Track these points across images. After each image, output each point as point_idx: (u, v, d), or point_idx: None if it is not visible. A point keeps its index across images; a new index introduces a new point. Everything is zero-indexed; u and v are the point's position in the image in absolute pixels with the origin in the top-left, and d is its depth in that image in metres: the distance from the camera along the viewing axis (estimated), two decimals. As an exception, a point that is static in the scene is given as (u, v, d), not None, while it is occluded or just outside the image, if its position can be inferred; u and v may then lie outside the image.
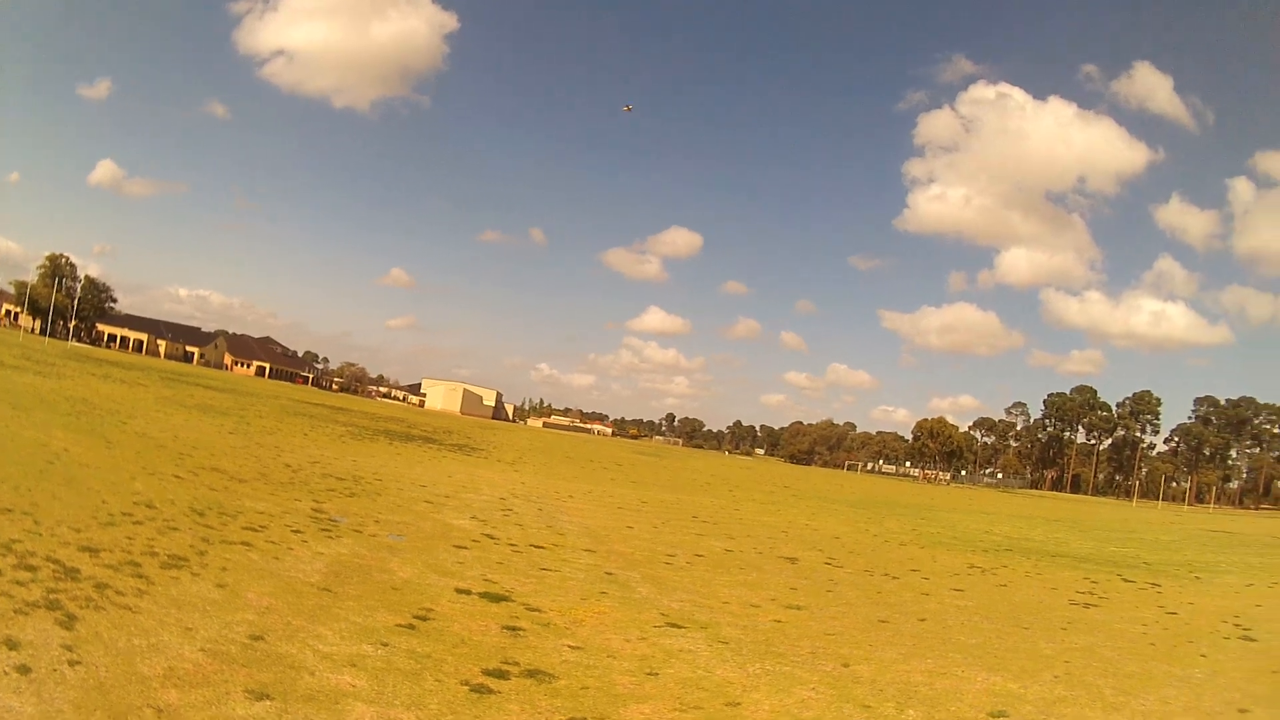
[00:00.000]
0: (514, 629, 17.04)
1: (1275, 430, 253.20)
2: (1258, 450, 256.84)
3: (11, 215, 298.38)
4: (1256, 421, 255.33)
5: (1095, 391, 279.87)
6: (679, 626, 19.29)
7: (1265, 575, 42.86)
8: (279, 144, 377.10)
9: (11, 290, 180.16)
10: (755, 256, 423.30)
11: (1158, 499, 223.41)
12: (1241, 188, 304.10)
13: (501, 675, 13.84)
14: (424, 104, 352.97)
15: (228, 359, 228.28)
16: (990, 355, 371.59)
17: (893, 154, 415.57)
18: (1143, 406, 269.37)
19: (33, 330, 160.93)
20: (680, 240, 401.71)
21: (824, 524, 52.67)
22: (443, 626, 16.40)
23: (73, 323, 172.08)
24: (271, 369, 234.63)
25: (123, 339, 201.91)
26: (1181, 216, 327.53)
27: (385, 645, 14.56)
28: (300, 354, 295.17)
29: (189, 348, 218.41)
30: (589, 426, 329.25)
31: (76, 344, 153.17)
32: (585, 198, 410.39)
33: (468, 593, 19.65)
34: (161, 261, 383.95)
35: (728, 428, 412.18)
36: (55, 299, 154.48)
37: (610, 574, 24.90)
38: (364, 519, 27.44)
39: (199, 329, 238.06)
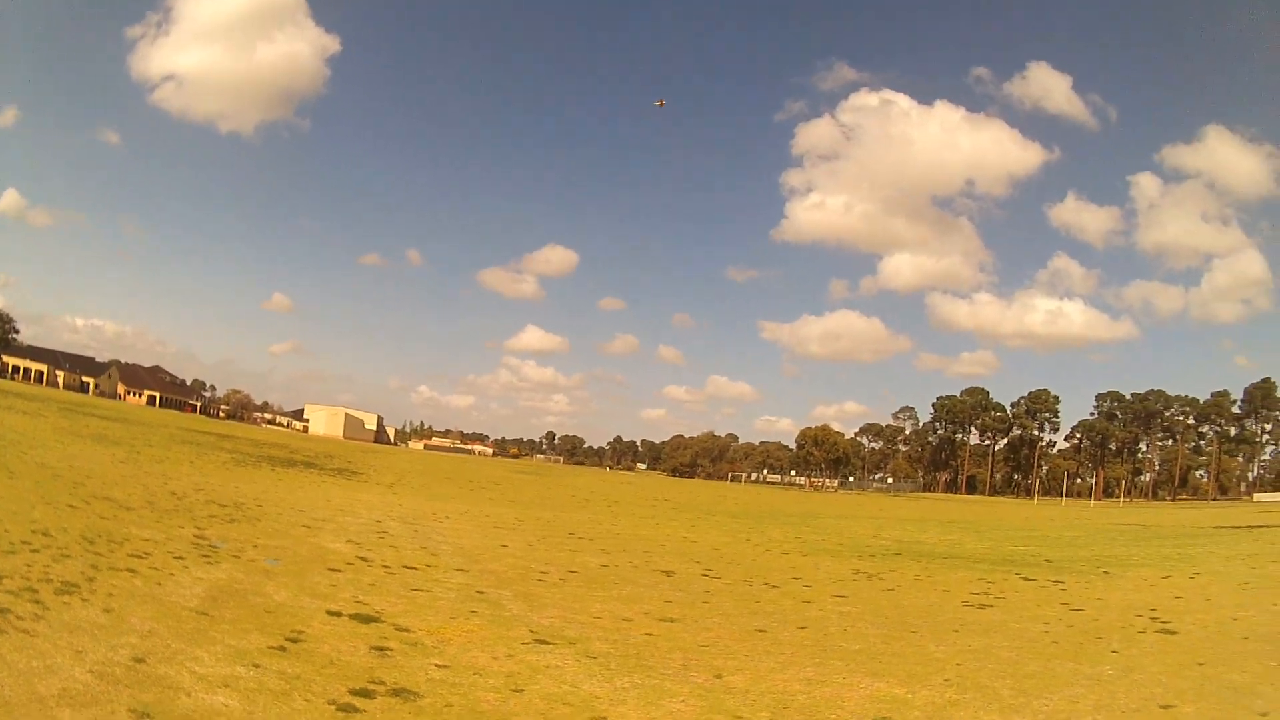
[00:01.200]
0: (382, 649, 17.17)
1: (1189, 422, 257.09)
2: (1171, 442, 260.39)
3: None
4: (1168, 414, 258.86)
5: (987, 393, 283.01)
6: (547, 643, 19.43)
7: (1184, 566, 42.52)
8: (168, 170, 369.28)
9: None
10: (632, 272, 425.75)
11: (1061, 496, 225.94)
12: (1146, 183, 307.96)
13: (367, 695, 14.00)
14: (304, 127, 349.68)
15: (120, 388, 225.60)
16: (875, 360, 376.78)
17: (771, 165, 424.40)
18: (1039, 405, 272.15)
19: None
20: (556, 258, 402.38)
21: (703, 536, 53.11)
22: (313, 648, 16.53)
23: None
24: (161, 398, 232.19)
25: (25, 370, 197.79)
26: (1078, 215, 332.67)
27: (257, 666, 14.68)
28: (189, 382, 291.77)
29: (85, 378, 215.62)
30: (469, 447, 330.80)
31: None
32: (461, 218, 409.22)
33: (339, 614, 19.76)
34: (60, 291, 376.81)
35: (608, 444, 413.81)
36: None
37: (481, 593, 25.12)
38: (243, 544, 27.51)
39: (94, 359, 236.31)
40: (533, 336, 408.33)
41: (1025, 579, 36.55)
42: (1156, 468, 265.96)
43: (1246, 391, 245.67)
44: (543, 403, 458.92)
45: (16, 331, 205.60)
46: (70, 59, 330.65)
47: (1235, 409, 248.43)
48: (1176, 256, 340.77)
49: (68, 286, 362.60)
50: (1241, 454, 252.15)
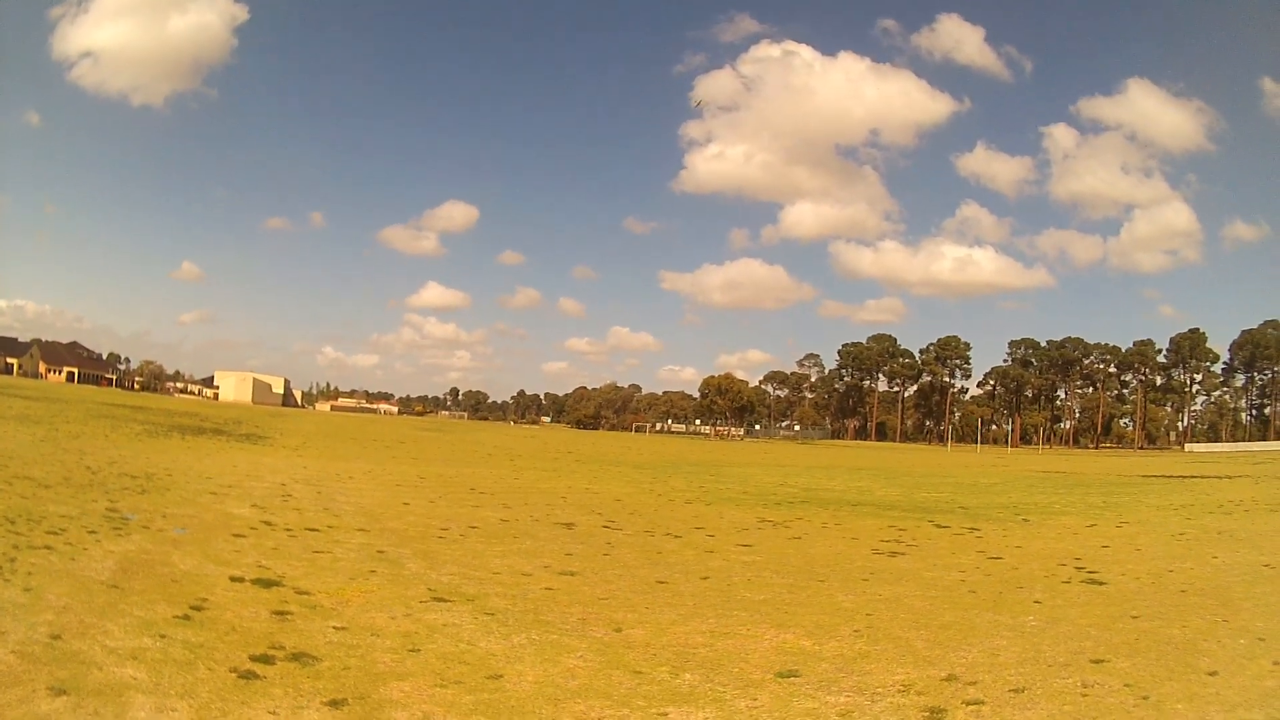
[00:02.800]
0: (283, 613, 17.34)
1: (1110, 370, 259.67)
2: (1091, 390, 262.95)
3: None
4: (1087, 361, 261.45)
5: (895, 339, 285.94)
6: (445, 600, 19.63)
7: (1110, 515, 43.07)
8: (85, 148, 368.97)
9: None
10: (531, 226, 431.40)
11: (976, 443, 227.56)
12: (1060, 134, 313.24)
13: (268, 660, 14.18)
14: (213, 96, 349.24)
15: (42, 367, 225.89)
16: (779, 309, 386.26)
17: (669, 117, 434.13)
18: (949, 351, 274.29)
19: None
20: (457, 214, 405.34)
21: (606, 487, 53.41)
22: (216, 615, 16.71)
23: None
24: (80, 373, 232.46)
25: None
26: (988, 164, 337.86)
27: (163, 637, 14.89)
28: (105, 356, 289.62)
29: (9, 359, 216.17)
30: (375, 407, 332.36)
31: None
32: (362, 178, 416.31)
33: (241, 580, 19.91)
34: None
35: (512, 398, 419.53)
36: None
37: (381, 552, 25.24)
38: (153, 515, 27.64)
39: (16, 340, 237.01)
40: (434, 293, 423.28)
41: (939, 526, 37.29)
42: (1077, 415, 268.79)
43: (1173, 341, 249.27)
44: (446, 359, 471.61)
45: None
46: None
47: (1160, 358, 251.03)
48: (1094, 206, 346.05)
49: None
50: (1170, 403, 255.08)
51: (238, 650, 14.61)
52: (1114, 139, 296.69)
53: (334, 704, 12.55)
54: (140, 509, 28.39)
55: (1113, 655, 16.27)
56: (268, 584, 19.80)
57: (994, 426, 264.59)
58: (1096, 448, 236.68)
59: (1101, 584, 23.86)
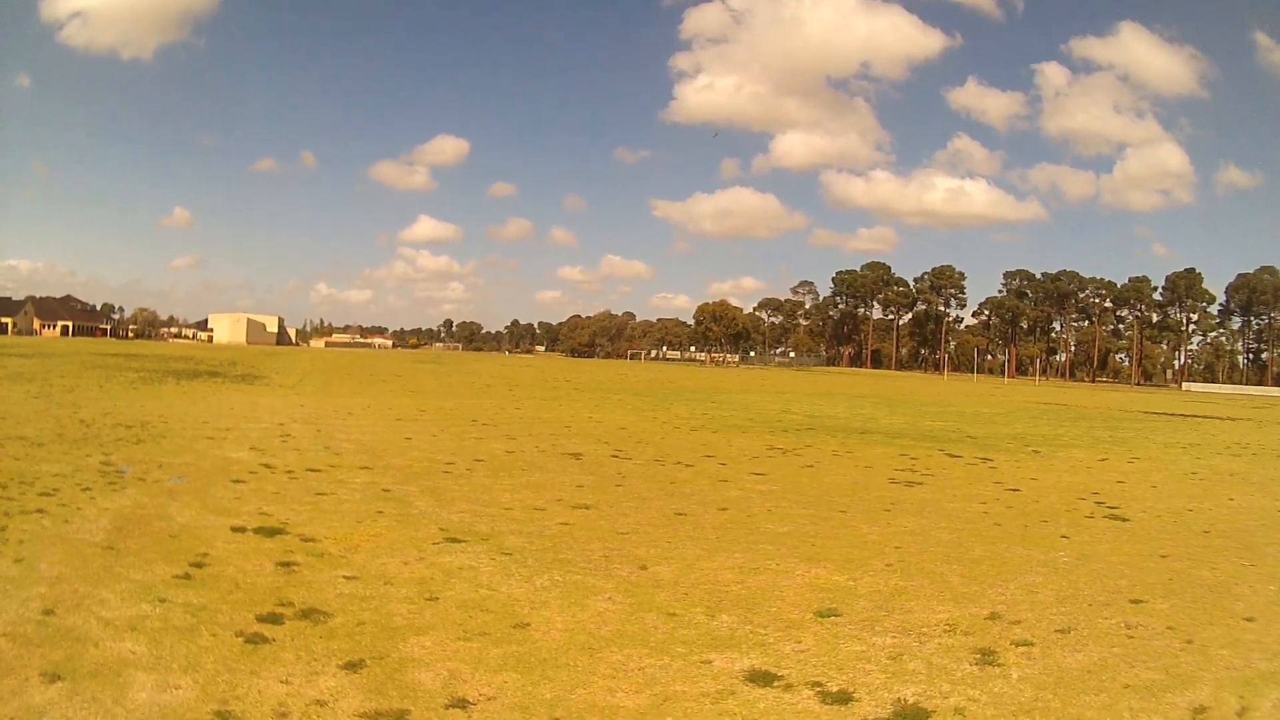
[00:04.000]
0: (288, 564, 16.52)
1: (1106, 304, 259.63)
2: (1086, 324, 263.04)
3: None
4: (1082, 295, 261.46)
5: (889, 268, 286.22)
6: (459, 541, 18.88)
7: (1120, 449, 42.86)
8: (75, 105, 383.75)
9: None
10: (522, 157, 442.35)
11: (972, 372, 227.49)
12: (1052, 72, 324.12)
13: (276, 620, 13.35)
14: (200, 46, 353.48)
15: (36, 323, 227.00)
16: (771, 237, 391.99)
17: (658, 49, 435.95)
18: (944, 280, 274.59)
19: None
20: (448, 148, 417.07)
21: (608, 415, 53.22)
22: (218, 572, 15.87)
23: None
24: (74, 326, 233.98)
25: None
26: (979, 99, 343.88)
27: (163, 601, 14.02)
28: (99, 307, 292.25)
29: (3, 319, 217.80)
30: (369, 341, 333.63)
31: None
32: (351, 116, 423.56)
33: (243, 530, 19.07)
34: None
35: (506, 328, 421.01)
36: None
37: (387, 491, 24.47)
38: (148, 465, 26.77)
39: (10, 299, 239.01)
40: (426, 227, 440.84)
41: (951, 456, 37.50)
42: (1073, 348, 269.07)
43: (1169, 280, 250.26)
44: (439, 291, 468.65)
45: None
46: None
47: (1156, 296, 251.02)
48: (1086, 144, 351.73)
49: None
50: (1166, 341, 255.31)
51: (243, 610, 13.73)
52: (1106, 79, 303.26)
53: (351, 666, 11.69)
54: (135, 460, 27.57)
55: (1149, 596, 16.00)
56: (271, 532, 18.95)
57: (989, 357, 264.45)
58: (1093, 381, 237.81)
59: (1124, 520, 23.65)
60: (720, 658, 12.38)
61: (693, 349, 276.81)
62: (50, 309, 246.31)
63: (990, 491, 27.78)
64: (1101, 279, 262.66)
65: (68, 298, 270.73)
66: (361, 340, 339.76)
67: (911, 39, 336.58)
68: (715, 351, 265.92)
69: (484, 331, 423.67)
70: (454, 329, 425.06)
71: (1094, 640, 13.26)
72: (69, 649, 11.82)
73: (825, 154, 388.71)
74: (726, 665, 12.09)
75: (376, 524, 20.31)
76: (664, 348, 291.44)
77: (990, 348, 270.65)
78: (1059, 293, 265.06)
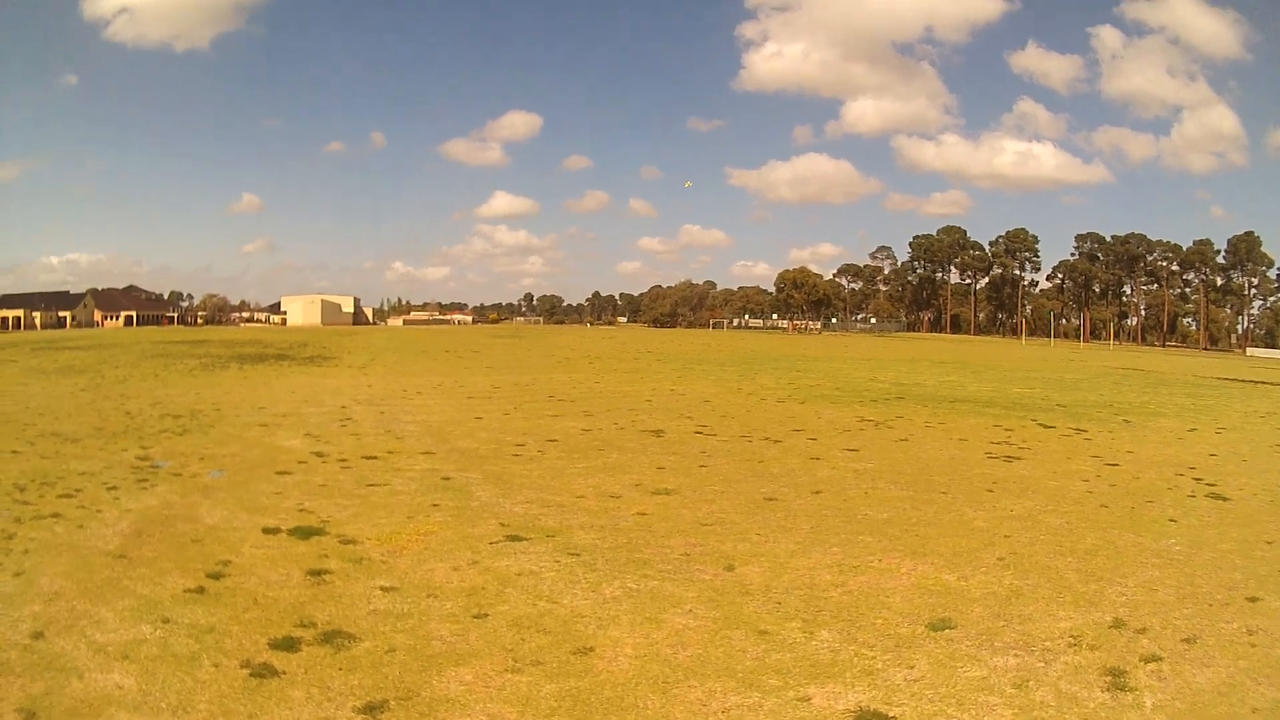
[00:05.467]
0: (319, 573, 14.59)
1: (1173, 268, 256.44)
2: (1156, 287, 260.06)
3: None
4: (1151, 258, 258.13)
5: (964, 231, 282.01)
6: (521, 539, 16.90)
7: (1206, 419, 41.04)
8: (128, 98, 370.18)
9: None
10: (595, 130, 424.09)
11: (1049, 336, 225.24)
12: (1107, 35, 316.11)
13: (291, 646, 11.47)
14: (260, 34, 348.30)
15: (97, 315, 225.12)
16: (847, 203, 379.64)
17: (724, 18, 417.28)
18: (1018, 244, 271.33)
19: None
20: (519, 123, 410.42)
21: (691, 387, 51.51)
22: (237, 584, 14.01)
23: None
24: (139, 316, 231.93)
25: (1, 320, 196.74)
26: (1040, 61, 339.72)
27: (167, 622, 12.27)
28: (166, 295, 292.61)
29: (61, 313, 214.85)
30: (448, 318, 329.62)
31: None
32: (420, 95, 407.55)
33: (276, 531, 17.25)
34: (32, 237, 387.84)
35: (587, 300, 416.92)
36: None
37: (447, 479, 22.67)
38: (188, 458, 25.18)
39: (68, 293, 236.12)
40: (502, 202, 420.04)
41: (1044, 426, 35.59)
42: (1143, 312, 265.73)
43: (1230, 243, 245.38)
44: (518, 266, 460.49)
45: None
46: (23, 14, 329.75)
47: (1219, 259, 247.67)
48: (1144, 106, 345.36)
49: (40, 231, 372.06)
50: (1229, 305, 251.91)
51: (256, 634, 11.93)
52: (1157, 41, 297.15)
53: (370, 710, 9.85)
54: (176, 453, 25.99)
55: (1264, 592, 14.60)
56: (307, 534, 17.14)
57: (1064, 320, 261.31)
58: (1163, 346, 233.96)
59: (1224, 499, 22.15)
60: (821, 692, 10.37)
61: (774, 316, 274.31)
62: (112, 300, 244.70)
63: (1090, 467, 26.29)
64: (1168, 242, 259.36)
65: (131, 288, 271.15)
66: (440, 317, 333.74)
67: (972, 3, 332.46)
68: (797, 319, 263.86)
69: (565, 304, 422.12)
70: (535, 303, 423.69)
71: (1220, 650, 11.98)
72: (51, 681, 10.54)
73: (896, 118, 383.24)
74: (828, 703, 10.09)
75: (429, 520, 18.44)
76: (746, 316, 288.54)
77: (1065, 311, 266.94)
78: (1129, 256, 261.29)
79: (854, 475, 23.93)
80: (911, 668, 11.08)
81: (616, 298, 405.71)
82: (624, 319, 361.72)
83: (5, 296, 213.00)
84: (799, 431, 32.45)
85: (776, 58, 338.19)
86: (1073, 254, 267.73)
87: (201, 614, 12.62)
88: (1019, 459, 27.28)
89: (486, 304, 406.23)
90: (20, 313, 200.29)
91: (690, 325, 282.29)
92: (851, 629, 12.32)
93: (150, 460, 24.73)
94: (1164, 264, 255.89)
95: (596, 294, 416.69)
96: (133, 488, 21.05)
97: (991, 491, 22.18)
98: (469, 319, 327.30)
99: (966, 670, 11.06)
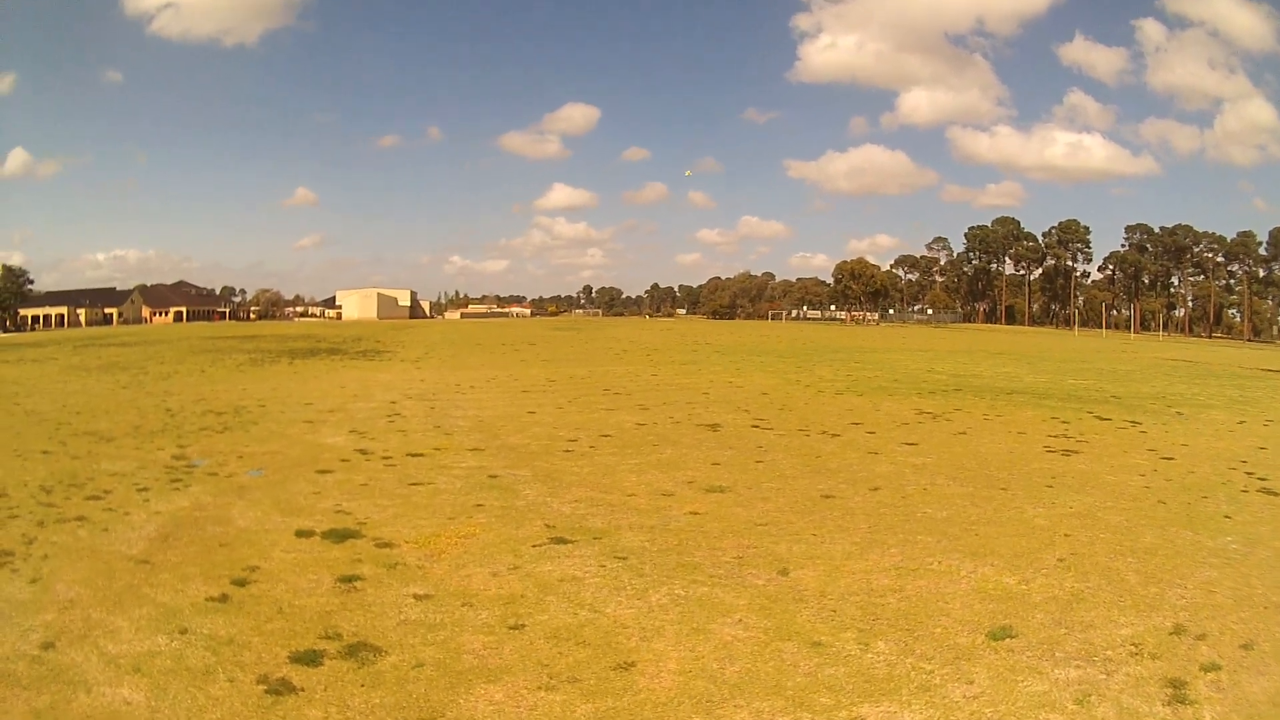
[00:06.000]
0: (351, 580, 13.96)
1: (1218, 259, 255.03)
2: (1202, 278, 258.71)
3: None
4: (1197, 249, 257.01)
5: (1018, 222, 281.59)
6: (566, 541, 16.21)
7: (1254, 411, 40.18)
8: (176, 94, 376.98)
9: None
10: (653, 121, 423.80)
11: (1100, 327, 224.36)
12: (1150, 28, 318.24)
13: (313, 660, 10.87)
14: (311, 28, 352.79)
15: (145, 311, 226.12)
16: (903, 194, 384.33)
17: (777, 10, 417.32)
18: (1071, 234, 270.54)
19: None
20: (577, 115, 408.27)
21: (749, 380, 50.76)
22: (263, 591, 13.45)
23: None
24: (189, 312, 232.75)
25: (45, 318, 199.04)
26: (1088, 54, 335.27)
27: (184, 633, 11.75)
28: (217, 291, 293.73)
29: (107, 309, 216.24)
30: (507, 310, 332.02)
31: (2, 335, 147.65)
32: (476, 89, 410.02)
33: (309, 534, 16.68)
34: (77, 234, 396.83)
35: (646, 292, 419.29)
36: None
37: (494, 477, 22.08)
38: (227, 456, 24.75)
39: (115, 289, 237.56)
40: (561, 195, 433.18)
41: (1100, 419, 34.74)
42: (1190, 303, 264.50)
43: (1271, 235, 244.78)
44: (577, 258, 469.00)
45: (31, 283, 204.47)
46: (65, 12, 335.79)
47: (1261, 251, 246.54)
48: (1188, 99, 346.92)
49: (84, 227, 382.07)
50: (1271, 296, 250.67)
51: (277, 646, 11.36)
52: (1198, 34, 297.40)
53: None
54: (214, 451, 25.57)
55: None
56: (342, 537, 16.54)
57: (1115, 312, 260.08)
58: (1209, 337, 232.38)
59: (1276, 494, 21.56)
60: (875, 712, 9.71)
61: (832, 308, 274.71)
62: (161, 296, 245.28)
63: (1146, 461, 25.66)
64: (1213, 234, 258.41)
65: (180, 283, 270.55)
66: (498, 310, 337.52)
67: None
68: (855, 310, 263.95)
69: (624, 296, 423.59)
70: (594, 295, 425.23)
71: (1275, 657, 11.55)
72: (57, 695, 10.21)
73: (949, 110, 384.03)
74: (884, 721, 9.39)
75: (471, 521, 17.82)
76: (804, 307, 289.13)
77: (1116, 302, 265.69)
78: (1176, 247, 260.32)
79: (913, 470, 23.32)
80: (971, 682, 10.48)
81: (675, 289, 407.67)
82: (683, 311, 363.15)
83: (49, 294, 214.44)
84: (857, 425, 31.85)
85: (831, 49, 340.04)
86: (1123, 245, 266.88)
87: (222, 624, 12.11)
88: (1077, 452, 26.70)
89: (545, 296, 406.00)
90: (64, 310, 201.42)
91: (749, 316, 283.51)
92: (909, 639, 11.66)
93: (186, 459, 24.28)
94: (1209, 255, 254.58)
95: (655, 286, 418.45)
96: (165, 489, 20.59)
97: (1051, 487, 21.59)
98: (527, 311, 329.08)
99: (1027, 684, 10.52)
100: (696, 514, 18.32)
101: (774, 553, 15.45)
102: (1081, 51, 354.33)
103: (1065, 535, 16.98)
